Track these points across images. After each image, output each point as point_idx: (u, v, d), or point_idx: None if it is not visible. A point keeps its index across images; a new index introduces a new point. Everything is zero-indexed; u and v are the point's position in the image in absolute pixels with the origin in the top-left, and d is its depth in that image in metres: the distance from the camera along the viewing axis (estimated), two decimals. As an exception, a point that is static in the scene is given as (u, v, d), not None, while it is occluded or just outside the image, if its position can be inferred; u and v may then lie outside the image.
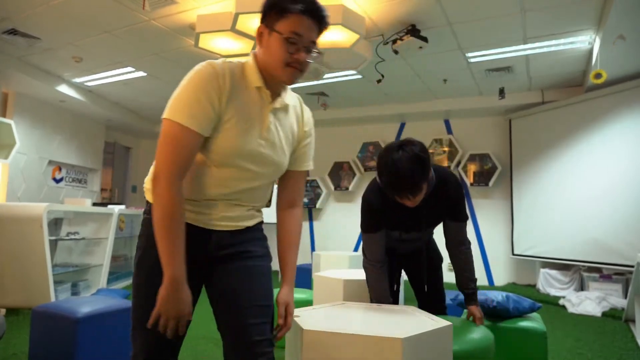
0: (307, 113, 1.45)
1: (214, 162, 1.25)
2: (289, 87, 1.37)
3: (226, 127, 1.22)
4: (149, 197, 1.30)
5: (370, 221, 2.01)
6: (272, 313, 1.34)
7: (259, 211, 1.47)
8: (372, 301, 2.08)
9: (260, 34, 1.25)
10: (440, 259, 2.37)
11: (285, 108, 1.35)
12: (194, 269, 1.25)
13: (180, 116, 1.16)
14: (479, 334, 1.88)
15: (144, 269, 1.27)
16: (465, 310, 2.72)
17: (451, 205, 2.00)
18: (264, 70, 1.26)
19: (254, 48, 4.12)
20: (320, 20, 1.25)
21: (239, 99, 1.23)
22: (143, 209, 1.36)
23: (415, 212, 1.86)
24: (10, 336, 3.25)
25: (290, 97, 1.38)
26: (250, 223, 1.40)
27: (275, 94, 1.31)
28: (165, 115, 1.18)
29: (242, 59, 1.30)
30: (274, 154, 1.33)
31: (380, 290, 2.04)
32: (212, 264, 1.33)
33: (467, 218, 2.09)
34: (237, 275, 1.32)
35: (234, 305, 1.29)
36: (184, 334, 1.23)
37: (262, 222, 1.48)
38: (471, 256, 2.11)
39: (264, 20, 1.25)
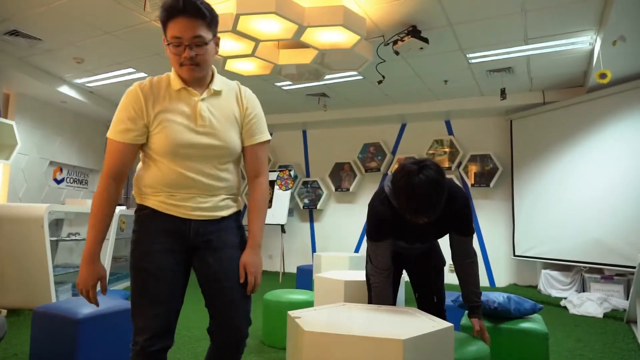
0: (247, 93, 1.62)
1: (165, 157, 1.47)
2: (227, 77, 1.62)
3: (159, 128, 1.46)
4: (137, 199, 1.56)
5: (379, 231, 2.03)
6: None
7: (235, 201, 1.62)
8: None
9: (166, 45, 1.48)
10: (443, 263, 2.35)
11: (217, 94, 1.54)
12: (178, 255, 1.50)
13: (111, 133, 1.50)
14: (475, 347, 1.88)
15: (133, 258, 1.50)
16: (466, 312, 2.72)
17: (458, 220, 2.01)
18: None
19: (255, 49, 4.14)
20: (195, 14, 1.41)
21: (163, 103, 1.48)
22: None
23: (422, 226, 1.86)
24: (11, 336, 3.25)
25: (222, 83, 1.57)
26: (225, 213, 1.56)
27: (202, 87, 1.52)
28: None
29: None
30: (216, 135, 1.50)
31: (383, 298, 2.03)
32: (193, 251, 1.53)
33: (473, 232, 2.09)
34: (215, 260, 1.51)
35: (215, 286, 1.51)
36: (164, 313, 1.46)
37: (239, 213, 1.64)
38: (476, 268, 2.09)
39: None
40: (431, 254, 2.27)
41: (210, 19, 1.45)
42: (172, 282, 1.49)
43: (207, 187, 1.50)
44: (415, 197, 1.68)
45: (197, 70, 1.46)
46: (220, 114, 1.52)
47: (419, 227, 1.87)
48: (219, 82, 1.56)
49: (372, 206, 2.06)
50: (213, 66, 1.57)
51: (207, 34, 1.45)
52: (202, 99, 1.50)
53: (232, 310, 1.50)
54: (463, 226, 2.02)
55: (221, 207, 1.54)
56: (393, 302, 2.08)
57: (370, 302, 2.17)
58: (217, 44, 1.53)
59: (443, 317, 2.20)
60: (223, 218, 1.55)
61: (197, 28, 1.42)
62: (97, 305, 1.50)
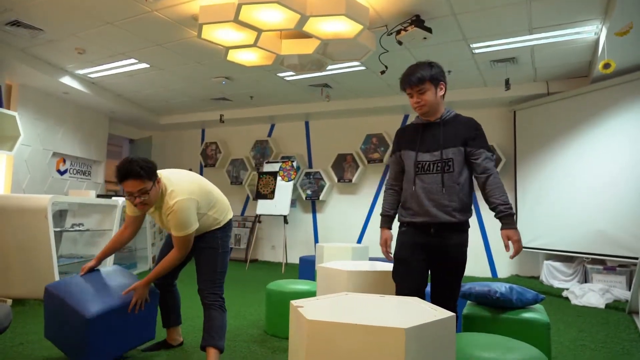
0: (168, 204, 2.37)
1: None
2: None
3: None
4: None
5: (392, 147, 2.42)
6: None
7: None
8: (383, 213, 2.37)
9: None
10: (465, 260, 2.20)
11: (160, 208, 2.44)
12: None
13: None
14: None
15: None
16: (468, 302, 2.73)
17: (468, 129, 2.16)
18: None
19: (257, 39, 4.12)
20: (136, 176, 2.25)
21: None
22: None
23: (436, 133, 2.17)
24: (16, 326, 3.29)
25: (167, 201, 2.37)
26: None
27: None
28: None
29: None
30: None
31: (386, 205, 2.37)
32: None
33: (489, 148, 2.17)
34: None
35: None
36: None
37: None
38: (499, 180, 2.11)
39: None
40: (455, 247, 2.15)
41: (146, 174, 2.22)
42: None
43: None
44: (408, 68, 2.19)
45: (147, 208, 2.37)
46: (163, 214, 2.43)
47: (432, 134, 2.18)
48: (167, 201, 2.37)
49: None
50: (164, 188, 2.36)
51: (148, 184, 2.25)
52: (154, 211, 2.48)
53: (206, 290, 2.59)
54: (475, 136, 2.15)
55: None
56: (394, 209, 2.35)
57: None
58: (158, 182, 2.32)
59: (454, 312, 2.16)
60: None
61: (141, 185, 2.23)
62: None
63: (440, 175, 2.12)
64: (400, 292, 2.14)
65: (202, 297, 2.52)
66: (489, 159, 2.13)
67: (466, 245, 2.17)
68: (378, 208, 7.30)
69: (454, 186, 2.12)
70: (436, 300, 2.14)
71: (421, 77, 2.12)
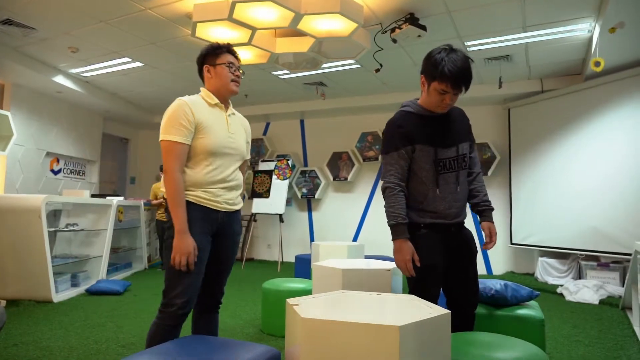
0: (247, 122, 2.26)
1: (207, 156, 1.94)
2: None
3: (202, 133, 1.93)
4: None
5: (392, 140, 2.04)
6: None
7: (240, 198, 2.14)
8: (390, 220, 1.98)
9: (207, 71, 2.06)
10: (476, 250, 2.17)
11: (233, 114, 2.14)
12: (209, 237, 1.95)
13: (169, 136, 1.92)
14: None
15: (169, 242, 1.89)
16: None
17: (466, 120, 2.20)
18: (216, 92, 2.06)
19: (251, 37, 4.11)
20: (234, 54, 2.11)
21: (201, 113, 1.95)
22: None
23: (447, 126, 2.05)
24: (10, 327, 3.27)
25: (233, 109, 2.17)
26: (238, 207, 2.09)
27: (226, 106, 2.11)
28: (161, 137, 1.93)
29: (201, 91, 2.09)
30: (239, 142, 2.09)
31: (399, 207, 1.97)
32: (216, 235, 1.99)
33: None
34: (225, 245, 2.05)
35: (218, 265, 2.04)
36: (200, 273, 1.91)
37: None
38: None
39: (205, 63, 2.07)
40: (466, 237, 2.12)
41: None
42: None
43: (232, 183, 2.04)
44: (459, 63, 1.87)
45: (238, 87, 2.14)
46: (237, 129, 2.12)
47: (444, 128, 2.04)
48: (231, 108, 2.18)
49: (389, 122, 2.13)
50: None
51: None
52: (228, 115, 2.10)
53: (220, 285, 2.13)
54: (470, 127, 2.21)
55: (238, 201, 2.09)
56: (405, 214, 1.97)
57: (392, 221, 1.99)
58: None
59: (477, 303, 2.17)
60: (236, 211, 2.08)
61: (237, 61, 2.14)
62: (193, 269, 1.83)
63: (456, 173, 2.03)
64: (433, 301, 1.88)
65: (218, 299, 2.12)
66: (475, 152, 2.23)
67: None
68: (374, 206, 7.33)
69: (465, 183, 2.10)
70: (465, 298, 2.06)
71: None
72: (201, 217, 1.91)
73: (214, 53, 2.05)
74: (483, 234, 2.11)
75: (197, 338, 1.77)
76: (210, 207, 1.93)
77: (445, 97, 1.95)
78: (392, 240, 1.98)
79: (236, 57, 2.11)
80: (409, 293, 1.97)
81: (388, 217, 2.00)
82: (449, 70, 1.86)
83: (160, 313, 1.86)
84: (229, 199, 2.00)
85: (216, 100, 2.03)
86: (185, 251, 1.80)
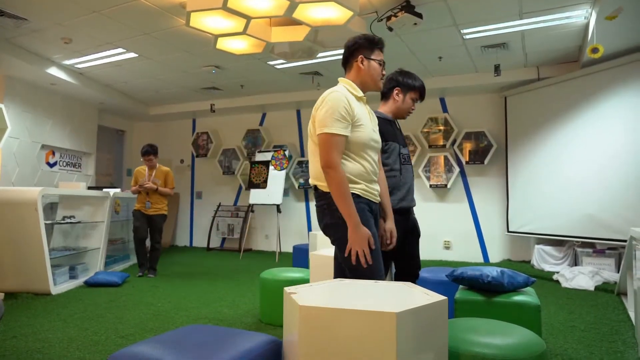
0: (374, 115, 2.18)
1: (364, 148, 1.95)
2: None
3: (358, 126, 1.92)
4: (324, 188, 1.94)
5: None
6: None
7: None
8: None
9: (361, 62, 2.03)
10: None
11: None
12: (374, 229, 1.96)
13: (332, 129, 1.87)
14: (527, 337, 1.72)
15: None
16: (460, 287, 2.76)
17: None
18: (361, 85, 2.05)
19: (246, 26, 4.07)
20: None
21: (355, 105, 1.94)
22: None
23: (398, 129, 2.55)
24: (9, 319, 3.28)
25: None
26: (379, 198, 2.09)
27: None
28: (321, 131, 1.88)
29: (342, 82, 2.06)
30: (378, 135, 2.09)
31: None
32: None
33: None
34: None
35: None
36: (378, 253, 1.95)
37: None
38: None
39: (360, 54, 2.03)
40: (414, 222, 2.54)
41: None
42: None
43: (376, 175, 2.07)
44: (422, 83, 2.60)
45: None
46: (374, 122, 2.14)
47: (398, 130, 2.54)
48: None
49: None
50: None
51: None
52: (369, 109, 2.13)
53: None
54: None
55: (378, 192, 2.09)
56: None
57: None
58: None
59: (417, 278, 2.54)
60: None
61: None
62: (370, 262, 1.85)
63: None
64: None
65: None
66: None
67: None
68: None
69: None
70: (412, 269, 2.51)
71: None
72: (368, 209, 1.95)
73: (370, 47, 2.05)
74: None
75: (199, 327, 1.78)
76: (371, 199, 1.98)
77: (413, 105, 2.53)
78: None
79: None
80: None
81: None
82: (420, 84, 2.55)
83: None
84: (377, 191, 2.04)
85: (362, 93, 2.03)
86: (363, 242, 1.83)
